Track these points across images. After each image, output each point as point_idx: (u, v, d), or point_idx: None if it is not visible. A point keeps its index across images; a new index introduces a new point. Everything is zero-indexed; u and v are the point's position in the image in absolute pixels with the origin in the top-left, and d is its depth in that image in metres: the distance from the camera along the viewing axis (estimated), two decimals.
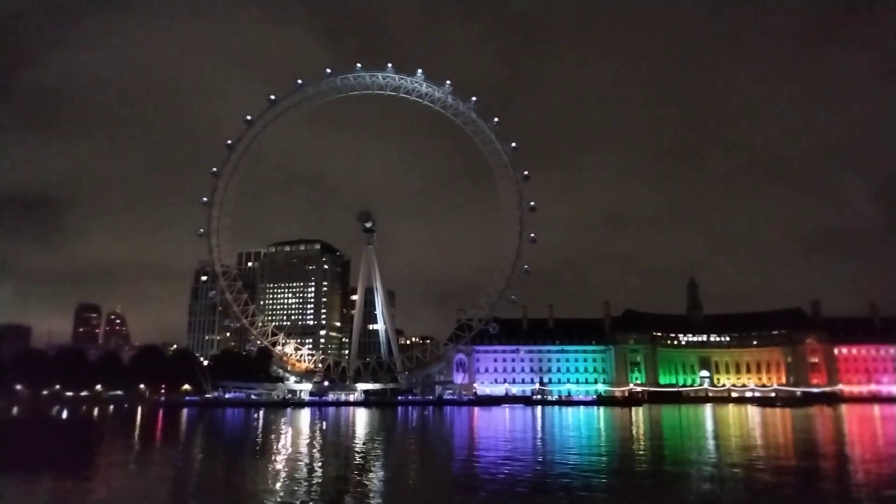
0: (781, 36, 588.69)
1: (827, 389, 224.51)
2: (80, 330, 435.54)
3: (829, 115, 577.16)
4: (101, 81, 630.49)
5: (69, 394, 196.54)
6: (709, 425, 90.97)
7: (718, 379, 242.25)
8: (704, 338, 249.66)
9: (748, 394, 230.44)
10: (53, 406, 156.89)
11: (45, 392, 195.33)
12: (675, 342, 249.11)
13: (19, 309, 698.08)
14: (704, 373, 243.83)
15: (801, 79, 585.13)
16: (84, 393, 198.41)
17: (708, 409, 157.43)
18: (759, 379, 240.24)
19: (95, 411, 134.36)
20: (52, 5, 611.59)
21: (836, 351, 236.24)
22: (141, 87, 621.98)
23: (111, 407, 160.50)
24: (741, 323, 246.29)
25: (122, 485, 34.98)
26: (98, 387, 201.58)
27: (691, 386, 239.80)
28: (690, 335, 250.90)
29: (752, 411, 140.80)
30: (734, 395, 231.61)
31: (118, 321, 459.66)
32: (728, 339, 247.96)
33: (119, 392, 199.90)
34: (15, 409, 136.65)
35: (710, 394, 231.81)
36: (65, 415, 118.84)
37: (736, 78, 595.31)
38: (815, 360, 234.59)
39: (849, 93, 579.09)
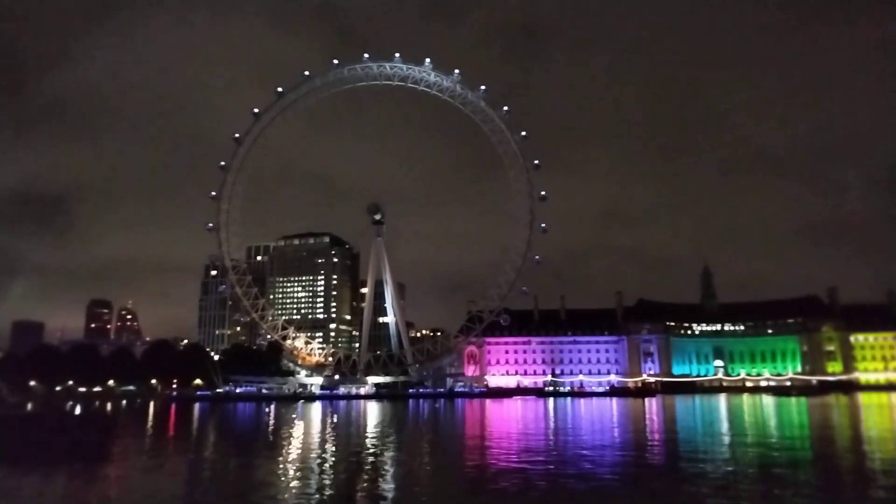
0: (767, 29, 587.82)
1: (843, 378, 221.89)
2: (92, 326, 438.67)
3: (823, 107, 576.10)
4: (107, 85, 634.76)
5: (82, 389, 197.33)
6: (723, 416, 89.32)
7: (733, 368, 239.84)
8: (719, 327, 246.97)
9: (763, 383, 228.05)
10: (67, 401, 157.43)
11: (58, 388, 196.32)
12: (689, 331, 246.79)
13: (32, 305, 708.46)
14: (719, 362, 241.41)
15: (789, 72, 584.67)
16: (97, 388, 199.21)
17: (722, 399, 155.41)
18: (775, 368, 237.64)
19: (108, 406, 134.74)
20: (58, 15, 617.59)
21: (852, 339, 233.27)
22: (148, 88, 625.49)
23: (124, 402, 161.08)
24: (756, 311, 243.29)
25: (136, 479, 34.53)
26: (111, 382, 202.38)
27: (705, 376, 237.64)
28: (704, 324, 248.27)
29: (768, 401, 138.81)
30: (749, 384, 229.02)
31: (129, 317, 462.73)
32: (743, 327, 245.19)
33: (131, 387, 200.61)
34: (30, 405, 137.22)
35: (725, 383, 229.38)
36: (78, 410, 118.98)
37: (726, 73, 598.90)
38: (831, 348, 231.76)
39: (841, 85, 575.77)
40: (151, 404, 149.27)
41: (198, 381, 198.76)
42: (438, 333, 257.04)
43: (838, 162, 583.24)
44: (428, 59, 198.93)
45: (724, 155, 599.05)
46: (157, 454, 47.99)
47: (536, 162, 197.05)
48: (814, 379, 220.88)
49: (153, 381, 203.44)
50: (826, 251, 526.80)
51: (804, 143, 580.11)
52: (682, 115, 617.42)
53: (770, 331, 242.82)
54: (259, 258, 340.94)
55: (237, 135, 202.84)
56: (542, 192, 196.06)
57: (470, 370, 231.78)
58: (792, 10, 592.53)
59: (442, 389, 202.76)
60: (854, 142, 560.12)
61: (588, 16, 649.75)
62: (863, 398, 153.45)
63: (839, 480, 32.61)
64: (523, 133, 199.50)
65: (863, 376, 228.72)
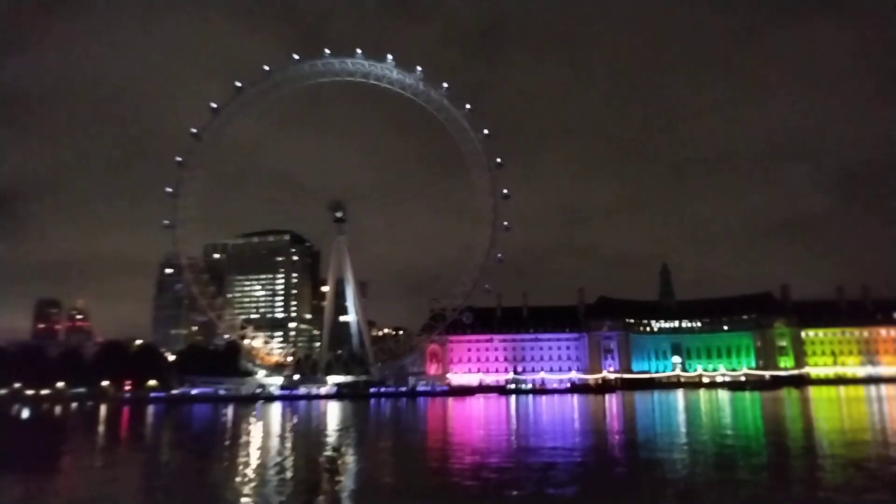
0: (723, 33, 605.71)
1: (794, 372, 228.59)
2: (40, 326, 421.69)
3: (776, 109, 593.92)
4: (61, 78, 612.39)
5: (29, 392, 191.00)
6: (681, 412, 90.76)
7: (690, 364, 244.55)
8: (676, 324, 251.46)
9: (719, 378, 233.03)
10: (13, 405, 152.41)
11: (3, 391, 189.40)
12: (648, 328, 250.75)
13: None
14: (676, 358, 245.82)
15: (744, 74, 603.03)
16: (45, 391, 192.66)
17: (680, 394, 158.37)
18: (730, 363, 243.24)
19: (57, 410, 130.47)
20: (9, 5, 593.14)
21: (803, 334, 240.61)
22: (103, 82, 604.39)
23: (74, 405, 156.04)
24: (712, 308, 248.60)
25: (85, 487, 32.70)
26: (60, 384, 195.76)
27: (663, 372, 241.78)
28: (663, 321, 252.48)
29: (723, 396, 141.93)
30: (705, 380, 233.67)
31: (80, 316, 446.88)
32: (699, 324, 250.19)
33: (82, 389, 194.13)
34: None
35: (682, 379, 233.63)
36: (25, 414, 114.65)
37: (684, 75, 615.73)
38: (783, 343, 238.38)
39: (793, 87, 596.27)
40: (103, 407, 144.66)
41: (152, 383, 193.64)
42: (400, 332, 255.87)
43: (791, 162, 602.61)
44: (390, 56, 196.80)
45: (682, 155, 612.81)
46: (107, 460, 45.98)
47: (499, 160, 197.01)
48: (767, 374, 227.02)
49: (105, 383, 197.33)
50: (779, 249, 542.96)
51: (758, 143, 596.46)
52: (641, 115, 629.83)
53: (725, 327, 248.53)
54: (217, 256, 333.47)
55: (194, 130, 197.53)
56: (505, 191, 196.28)
57: (432, 368, 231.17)
58: (747, 14, 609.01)
59: (404, 388, 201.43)
60: (806, 143, 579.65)
61: (549, 17, 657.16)
62: (813, 392, 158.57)
63: (789, 472, 33.13)
64: (486, 131, 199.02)
65: (813, 371, 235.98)
